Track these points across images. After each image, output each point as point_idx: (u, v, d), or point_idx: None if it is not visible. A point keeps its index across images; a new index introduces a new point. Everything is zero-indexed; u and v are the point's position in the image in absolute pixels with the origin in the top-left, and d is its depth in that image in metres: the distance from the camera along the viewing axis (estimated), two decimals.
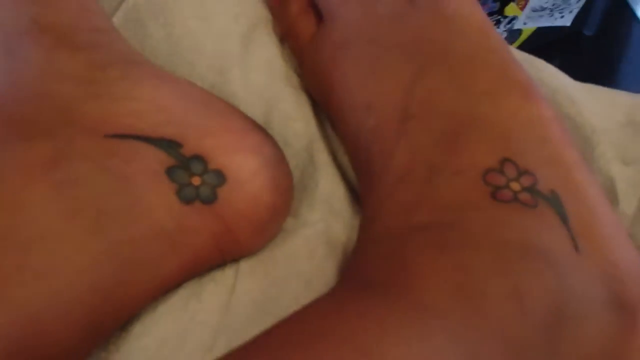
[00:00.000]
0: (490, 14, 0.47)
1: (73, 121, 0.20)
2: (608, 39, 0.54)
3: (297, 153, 0.25)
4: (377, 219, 0.21)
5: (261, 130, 0.24)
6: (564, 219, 0.19)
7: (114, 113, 0.21)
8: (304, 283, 0.22)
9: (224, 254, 0.22)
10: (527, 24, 0.50)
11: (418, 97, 0.22)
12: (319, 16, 0.26)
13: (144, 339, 0.21)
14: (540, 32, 0.51)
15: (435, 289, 0.17)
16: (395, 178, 0.21)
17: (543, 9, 0.49)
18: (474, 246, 0.18)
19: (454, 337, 0.16)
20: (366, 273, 0.19)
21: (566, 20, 0.51)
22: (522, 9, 0.48)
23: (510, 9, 0.48)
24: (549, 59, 0.27)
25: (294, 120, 0.26)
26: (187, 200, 0.21)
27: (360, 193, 0.24)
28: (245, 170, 0.22)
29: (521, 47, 0.51)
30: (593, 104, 0.25)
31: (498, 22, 0.48)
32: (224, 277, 0.22)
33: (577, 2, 0.50)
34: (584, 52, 0.54)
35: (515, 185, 0.19)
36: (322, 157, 0.25)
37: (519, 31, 0.50)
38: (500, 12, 0.48)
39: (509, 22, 0.49)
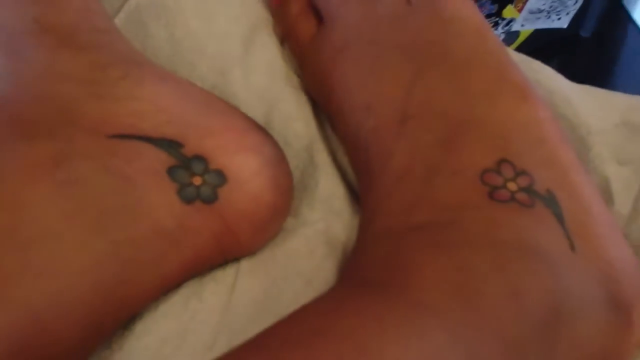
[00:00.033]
0: (488, 16, 0.47)
1: (75, 121, 0.20)
2: (604, 40, 0.54)
3: (298, 153, 0.25)
4: (376, 218, 0.21)
5: (261, 130, 0.24)
6: (560, 218, 0.19)
7: (115, 113, 0.21)
8: (304, 282, 0.22)
9: (224, 253, 0.22)
10: (524, 26, 0.50)
11: (417, 98, 0.22)
12: (319, 18, 0.26)
13: (145, 338, 0.21)
14: (537, 34, 0.51)
15: (434, 288, 0.17)
16: (394, 178, 0.21)
17: (540, 11, 0.49)
18: (472, 246, 0.18)
19: (452, 335, 0.16)
20: (365, 272, 0.19)
21: (563, 23, 0.51)
22: (519, 11, 0.48)
23: (508, 11, 0.48)
24: (546, 60, 0.27)
25: (294, 120, 0.26)
26: (188, 200, 0.21)
27: (359, 193, 0.24)
28: (245, 170, 0.22)
29: (519, 49, 0.51)
30: (589, 105, 0.25)
31: (496, 24, 0.48)
32: (225, 276, 0.22)
33: (574, 4, 0.50)
34: (580, 53, 0.54)
35: (512, 186, 0.19)
36: (322, 157, 0.25)
37: (517, 33, 0.50)
38: (499, 14, 0.48)
39: (507, 24, 0.49)
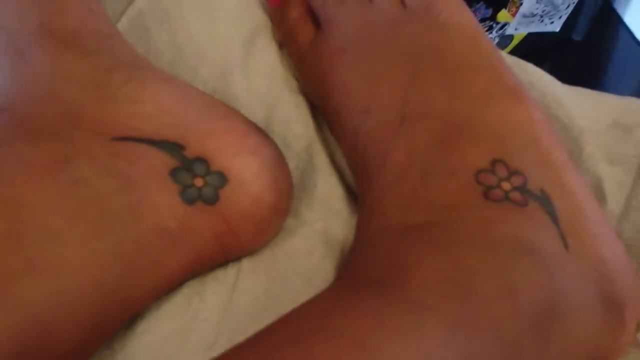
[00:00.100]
0: (482, 20, 0.47)
1: (78, 123, 0.20)
2: (596, 43, 0.54)
3: (297, 154, 0.25)
4: (374, 218, 0.21)
5: (262, 132, 0.24)
6: (553, 217, 0.19)
7: (118, 115, 0.21)
8: (304, 280, 0.22)
9: (226, 252, 0.22)
10: (518, 29, 0.50)
11: (413, 100, 0.22)
12: (317, 22, 0.26)
13: (147, 337, 0.21)
14: (530, 37, 0.51)
15: (431, 286, 0.17)
16: (391, 178, 0.21)
17: (533, 15, 0.49)
18: (467, 244, 0.18)
19: (449, 333, 0.16)
20: (363, 270, 0.19)
21: (555, 26, 0.51)
22: (513, 15, 0.48)
23: (502, 16, 0.48)
24: (539, 63, 0.27)
25: (293, 122, 0.26)
26: (190, 201, 0.21)
27: (357, 193, 0.24)
28: (246, 172, 0.22)
29: (513, 52, 0.51)
30: (581, 107, 0.25)
31: (490, 28, 0.48)
32: (226, 275, 0.22)
33: (566, 8, 0.50)
34: (573, 56, 0.54)
35: (506, 185, 0.19)
36: (321, 159, 0.25)
37: (511, 37, 0.50)
38: (493, 18, 0.48)
39: (501, 28, 0.49)
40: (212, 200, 0.21)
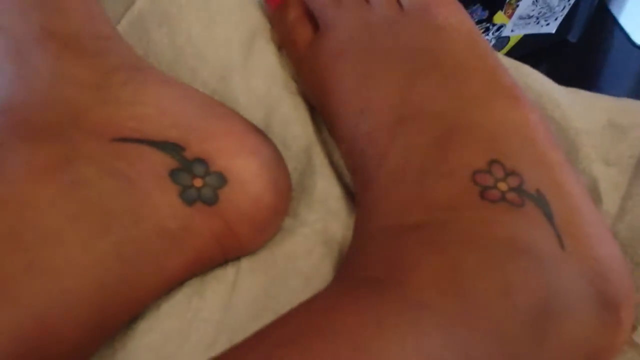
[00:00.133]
0: (479, 22, 0.47)
1: (79, 125, 0.20)
2: (591, 45, 0.54)
3: (296, 155, 0.25)
4: (372, 218, 0.21)
5: (261, 133, 0.24)
6: (549, 217, 0.19)
7: (118, 117, 0.21)
8: (303, 280, 0.22)
9: (225, 252, 0.22)
10: (514, 31, 0.50)
11: (410, 102, 0.22)
12: (316, 25, 0.26)
13: (148, 336, 0.21)
14: (527, 39, 0.51)
15: (429, 285, 0.17)
16: (389, 179, 0.21)
17: (530, 17, 0.49)
18: (464, 244, 0.18)
19: (447, 333, 0.16)
20: (361, 270, 0.19)
21: (551, 28, 0.51)
22: (509, 17, 0.48)
23: (499, 17, 0.48)
24: (535, 64, 0.26)
25: (292, 124, 0.26)
26: (189, 202, 0.20)
27: (355, 193, 0.24)
28: (245, 172, 0.22)
29: (509, 54, 0.51)
30: (577, 108, 0.25)
31: (487, 30, 0.48)
32: (226, 275, 0.22)
33: (562, 10, 0.50)
34: (568, 57, 0.54)
35: (502, 186, 0.19)
36: (320, 159, 0.25)
37: (507, 38, 0.50)
38: (489, 20, 0.48)
39: (497, 30, 0.49)
40: (212, 201, 0.21)
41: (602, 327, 0.18)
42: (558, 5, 0.50)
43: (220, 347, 0.20)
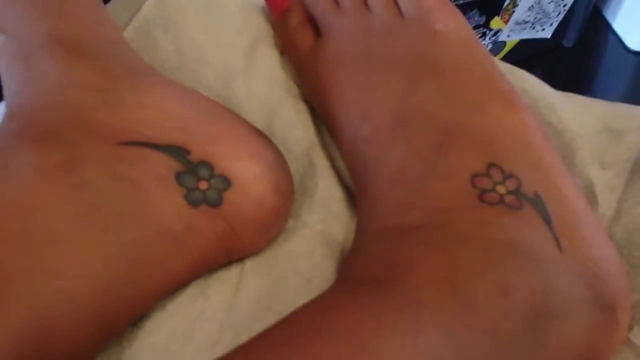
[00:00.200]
0: (476, 27, 0.47)
1: (86, 129, 0.20)
2: (585, 49, 0.54)
3: (298, 158, 0.25)
4: (372, 219, 0.21)
5: (263, 136, 0.24)
6: (547, 219, 0.19)
7: (124, 121, 0.21)
8: (304, 281, 0.22)
9: (229, 253, 0.22)
10: (510, 36, 0.50)
11: (409, 107, 0.22)
12: (317, 31, 0.26)
13: (153, 335, 0.20)
14: (522, 44, 0.51)
15: (429, 286, 0.17)
16: (389, 181, 0.21)
17: (525, 22, 0.49)
18: (463, 245, 0.18)
19: (445, 332, 0.16)
20: (362, 271, 0.19)
21: (547, 33, 0.51)
22: (506, 22, 0.48)
23: (495, 23, 0.48)
24: (530, 69, 0.26)
25: (294, 127, 0.26)
26: (194, 204, 0.20)
27: (356, 195, 0.24)
28: (249, 175, 0.21)
29: (505, 58, 0.51)
30: (572, 112, 0.25)
31: (484, 35, 0.48)
32: (230, 276, 0.22)
33: (557, 15, 0.50)
34: (563, 62, 0.54)
35: (501, 189, 0.19)
36: (321, 162, 0.25)
37: (503, 43, 0.50)
38: (486, 25, 0.48)
39: (494, 35, 0.49)
40: (216, 203, 0.21)
41: (599, 327, 0.18)
42: (553, 11, 0.50)
43: (224, 347, 0.20)
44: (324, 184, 0.25)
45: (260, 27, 0.27)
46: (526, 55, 0.51)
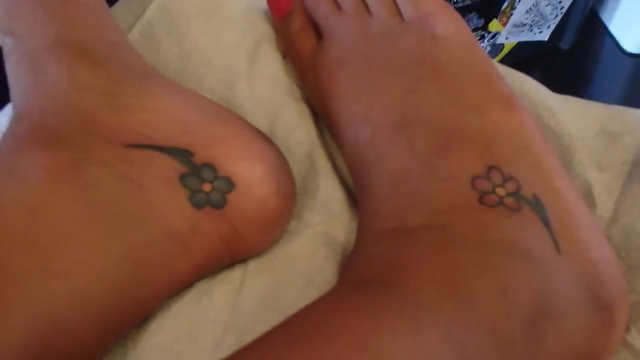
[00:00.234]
0: (475, 30, 0.47)
1: (92, 131, 0.20)
2: (582, 52, 0.54)
3: (300, 160, 0.25)
4: (373, 221, 0.21)
5: (266, 139, 0.24)
6: (545, 221, 0.19)
7: (129, 123, 0.21)
8: (306, 281, 0.22)
9: (232, 254, 0.22)
10: (508, 38, 0.50)
11: (410, 109, 0.22)
12: (319, 34, 0.26)
13: (158, 335, 0.21)
14: (520, 46, 0.51)
15: (429, 286, 0.17)
16: (390, 183, 0.21)
17: (523, 24, 0.49)
18: (463, 246, 0.18)
19: (445, 332, 0.16)
20: (363, 271, 0.19)
21: (544, 35, 0.51)
22: (504, 25, 0.48)
23: (494, 25, 0.48)
24: (528, 70, 0.26)
25: (296, 129, 0.26)
26: (198, 205, 0.20)
27: (357, 197, 0.24)
28: (252, 177, 0.21)
29: (503, 60, 0.51)
30: (570, 115, 0.25)
31: (482, 37, 0.48)
32: (233, 276, 0.22)
33: (554, 18, 0.50)
34: (561, 64, 0.54)
35: (500, 191, 0.19)
36: (323, 164, 0.25)
37: (501, 45, 0.50)
38: (485, 27, 0.47)
39: (492, 37, 0.49)
40: (220, 205, 0.21)
41: (596, 328, 0.18)
42: (550, 14, 0.50)
43: (228, 346, 0.20)
44: (326, 185, 0.25)
45: (262, 30, 0.27)
46: (524, 57, 0.51)
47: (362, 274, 0.19)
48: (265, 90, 0.26)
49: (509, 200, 0.19)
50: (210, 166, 0.21)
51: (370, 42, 0.24)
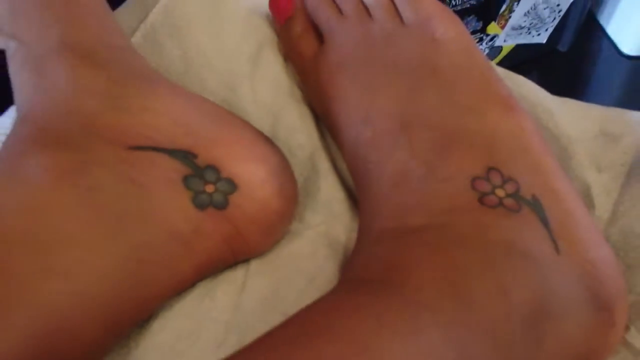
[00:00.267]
0: (473, 32, 0.47)
1: (95, 133, 0.20)
2: (580, 54, 0.54)
3: (301, 162, 0.25)
4: (374, 221, 0.21)
5: (268, 141, 0.24)
6: (545, 222, 0.19)
7: (133, 125, 0.21)
8: (307, 281, 0.22)
9: (235, 255, 0.22)
10: (507, 41, 0.50)
11: (410, 111, 0.22)
12: (320, 37, 0.26)
13: (160, 335, 0.20)
14: (518, 48, 0.51)
15: (429, 286, 0.17)
16: (390, 184, 0.21)
17: (522, 27, 0.49)
18: (463, 247, 0.18)
19: (445, 332, 0.16)
20: (364, 271, 0.19)
21: (542, 38, 0.51)
22: (502, 27, 0.48)
23: (492, 28, 0.48)
24: (527, 73, 0.27)
25: (297, 132, 0.26)
26: (202, 207, 0.20)
27: (358, 197, 0.24)
28: (254, 178, 0.22)
29: (501, 63, 0.51)
30: (569, 117, 0.25)
31: (481, 40, 0.48)
32: (235, 276, 0.22)
33: (552, 21, 0.50)
34: (558, 66, 0.54)
35: (500, 192, 0.19)
36: (324, 165, 0.25)
37: (500, 48, 0.50)
38: (483, 30, 0.47)
39: (491, 40, 0.49)
40: (222, 206, 0.21)
41: (596, 327, 0.18)
42: (549, 17, 0.50)
43: (230, 347, 0.20)
44: (327, 186, 0.25)
45: (264, 33, 0.27)
46: (522, 59, 0.51)
47: (363, 274, 0.19)
48: (267, 93, 0.26)
49: (509, 201, 0.19)
50: (213, 168, 0.21)
51: (371, 45, 0.24)
